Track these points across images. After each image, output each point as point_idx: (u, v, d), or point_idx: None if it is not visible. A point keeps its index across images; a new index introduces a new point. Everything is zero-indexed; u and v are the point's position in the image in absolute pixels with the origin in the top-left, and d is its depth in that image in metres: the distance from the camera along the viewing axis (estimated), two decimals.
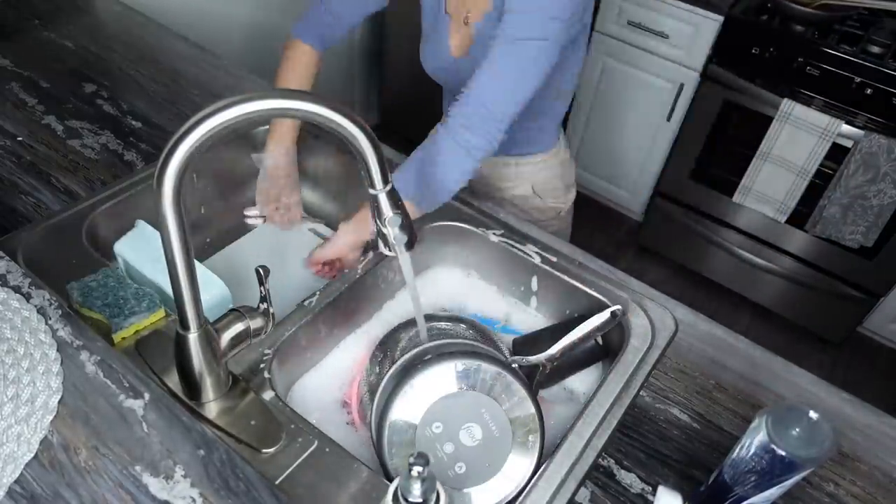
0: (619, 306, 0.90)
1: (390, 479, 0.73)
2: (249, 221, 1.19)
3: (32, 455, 0.68)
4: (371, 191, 0.70)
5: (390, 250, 0.75)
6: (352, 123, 0.63)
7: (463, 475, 0.73)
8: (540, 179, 1.21)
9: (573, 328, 0.88)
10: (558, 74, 1.02)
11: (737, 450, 0.65)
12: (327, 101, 0.61)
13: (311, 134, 1.21)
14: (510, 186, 1.22)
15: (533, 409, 0.75)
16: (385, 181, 0.69)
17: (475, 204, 1.08)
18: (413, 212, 0.93)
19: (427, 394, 0.74)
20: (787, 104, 1.78)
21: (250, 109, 0.58)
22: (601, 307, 0.96)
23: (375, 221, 0.73)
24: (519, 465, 0.74)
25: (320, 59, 1.16)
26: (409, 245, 0.75)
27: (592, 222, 2.54)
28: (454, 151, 0.90)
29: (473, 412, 0.74)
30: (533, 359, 0.83)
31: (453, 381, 0.74)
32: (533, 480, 0.73)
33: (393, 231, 0.72)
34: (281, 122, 1.12)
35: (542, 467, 0.74)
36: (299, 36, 1.14)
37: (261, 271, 0.75)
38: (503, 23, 0.88)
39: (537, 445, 0.75)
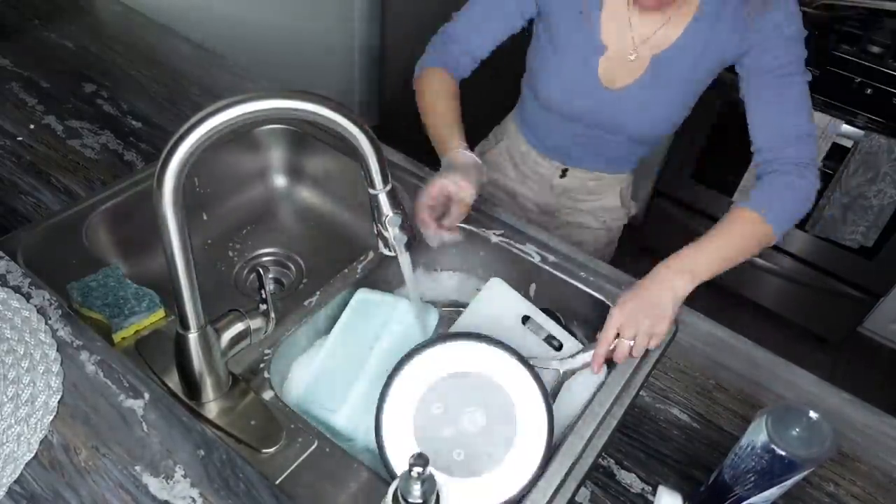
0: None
1: (386, 464, 0.72)
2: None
3: (32, 455, 0.68)
4: (371, 191, 0.70)
5: (390, 250, 0.75)
6: (353, 125, 0.63)
7: (460, 463, 0.72)
8: (625, 187, 1.24)
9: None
10: None
11: (737, 450, 0.65)
12: (329, 102, 0.62)
13: (313, 136, 1.21)
14: (596, 198, 1.22)
15: (543, 404, 0.74)
16: (385, 181, 0.69)
17: (476, 204, 1.08)
18: (771, 237, 0.94)
19: (431, 370, 0.73)
20: None
21: (251, 109, 0.58)
22: (601, 307, 0.96)
23: (375, 222, 0.73)
24: (521, 462, 0.73)
25: (455, 81, 1.06)
26: (409, 245, 0.75)
27: None
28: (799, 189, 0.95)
29: (478, 396, 0.74)
30: (554, 363, 0.83)
31: (460, 360, 0.74)
32: (531, 480, 0.73)
33: (393, 231, 0.73)
34: (440, 135, 1.00)
35: (544, 466, 0.74)
36: (431, 65, 1.05)
37: (260, 271, 0.75)
38: (773, 59, 0.92)
39: (543, 443, 0.74)
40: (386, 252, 0.75)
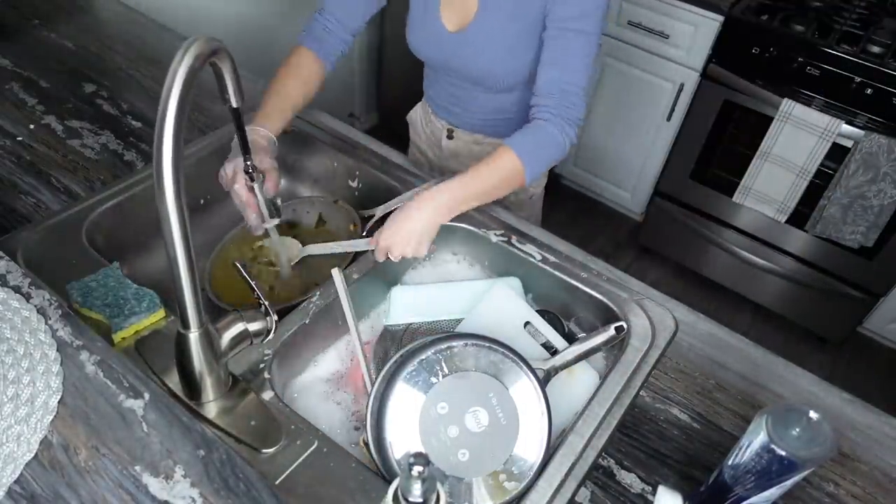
0: (623, 322, 0.89)
1: (386, 463, 0.72)
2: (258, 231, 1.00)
3: (32, 455, 0.68)
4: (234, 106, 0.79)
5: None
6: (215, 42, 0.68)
7: (465, 463, 0.72)
8: None
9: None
10: None
11: (737, 450, 0.65)
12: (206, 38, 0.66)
13: (313, 136, 1.21)
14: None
15: (543, 404, 0.75)
16: (240, 98, 0.78)
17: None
18: (520, 176, 0.98)
19: (435, 371, 0.74)
20: (787, 104, 1.78)
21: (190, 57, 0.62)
22: (601, 307, 0.96)
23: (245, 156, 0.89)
24: (524, 459, 0.73)
25: (322, 67, 1.11)
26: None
27: (592, 222, 2.54)
28: (558, 145, 1.00)
29: (482, 396, 0.74)
30: (538, 364, 0.83)
31: (463, 361, 0.74)
32: (531, 478, 0.73)
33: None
34: (267, 107, 1.05)
35: (543, 467, 0.74)
36: (301, 42, 1.12)
37: (239, 266, 0.76)
38: (562, 13, 0.97)
39: (544, 440, 0.74)
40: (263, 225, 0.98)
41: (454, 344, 0.75)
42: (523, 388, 0.75)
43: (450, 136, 1.27)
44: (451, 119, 1.25)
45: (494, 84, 1.11)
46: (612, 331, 0.88)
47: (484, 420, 0.74)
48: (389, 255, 0.94)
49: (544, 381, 0.81)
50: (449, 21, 1.08)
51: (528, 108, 1.16)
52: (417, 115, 1.37)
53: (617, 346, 0.90)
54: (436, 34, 1.10)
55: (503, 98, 1.16)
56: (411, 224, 0.92)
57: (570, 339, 0.92)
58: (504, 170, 0.97)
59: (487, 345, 0.76)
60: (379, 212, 1.09)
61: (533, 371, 0.76)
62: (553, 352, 0.90)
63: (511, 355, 0.76)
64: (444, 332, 0.87)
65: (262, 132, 1.01)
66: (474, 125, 1.23)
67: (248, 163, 0.90)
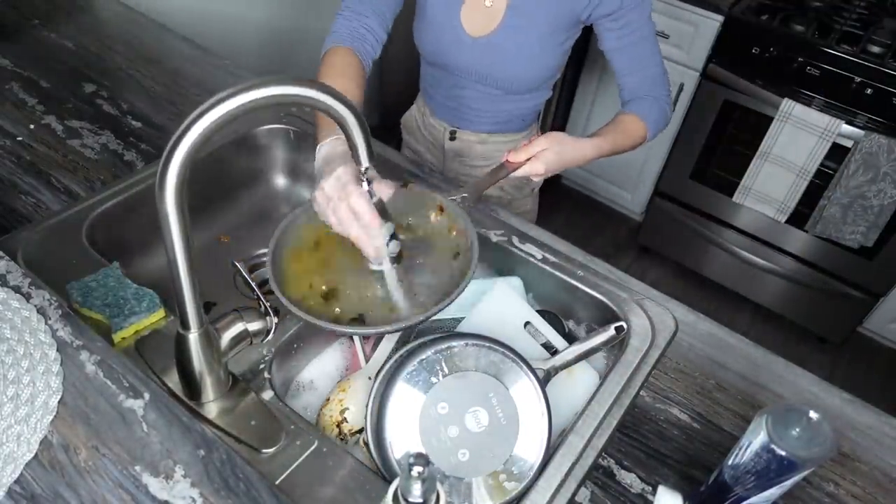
0: (623, 322, 0.89)
1: (386, 463, 0.72)
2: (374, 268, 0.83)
3: (32, 455, 0.68)
4: (360, 168, 0.73)
5: (375, 263, 0.80)
6: (341, 104, 0.66)
7: (465, 463, 0.72)
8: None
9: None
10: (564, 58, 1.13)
11: (737, 450, 0.65)
12: (319, 85, 0.65)
13: (313, 136, 1.21)
14: (486, 164, 1.25)
15: (543, 404, 0.75)
16: (371, 157, 0.73)
17: (475, 204, 1.08)
18: (643, 141, 1.11)
19: (435, 370, 0.74)
20: (787, 104, 1.78)
21: (248, 99, 0.59)
22: (601, 307, 0.96)
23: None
24: (524, 459, 0.73)
25: (364, 68, 1.03)
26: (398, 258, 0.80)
27: (592, 222, 2.54)
28: (667, 120, 1.13)
29: (481, 395, 0.74)
30: (538, 363, 0.83)
31: (463, 361, 0.74)
32: (531, 479, 0.73)
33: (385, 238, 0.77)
34: (323, 121, 0.93)
35: (543, 467, 0.74)
36: (338, 43, 1.02)
37: (239, 265, 0.76)
38: (613, 26, 1.03)
39: (544, 441, 0.74)
40: (372, 267, 0.81)
41: (454, 344, 0.75)
42: (523, 388, 0.75)
43: (452, 138, 1.26)
44: (455, 120, 1.24)
45: (514, 88, 1.12)
46: (612, 331, 0.88)
47: (484, 420, 0.74)
48: (538, 173, 0.98)
49: (544, 381, 0.81)
50: (471, 26, 1.07)
51: (538, 105, 1.20)
52: (413, 118, 1.35)
53: (617, 346, 0.90)
54: (457, 40, 1.08)
55: (520, 99, 1.16)
56: (571, 156, 1.01)
57: (570, 339, 0.92)
58: (634, 134, 1.09)
59: (487, 345, 0.76)
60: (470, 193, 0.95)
61: (533, 371, 0.76)
62: (553, 352, 0.90)
63: (511, 355, 0.76)
64: (445, 332, 0.87)
65: (339, 139, 0.88)
66: (481, 126, 1.22)
67: (365, 168, 0.73)
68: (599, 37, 1.06)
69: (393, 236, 0.79)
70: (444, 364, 0.75)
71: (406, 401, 0.73)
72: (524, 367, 0.76)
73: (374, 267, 0.80)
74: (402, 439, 0.72)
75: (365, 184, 0.76)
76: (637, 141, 1.10)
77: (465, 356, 0.75)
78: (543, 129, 2.33)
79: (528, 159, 0.98)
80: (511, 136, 1.24)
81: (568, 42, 1.09)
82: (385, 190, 0.79)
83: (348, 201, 0.76)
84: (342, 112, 0.66)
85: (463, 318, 0.95)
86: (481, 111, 1.19)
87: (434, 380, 0.74)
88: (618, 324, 0.89)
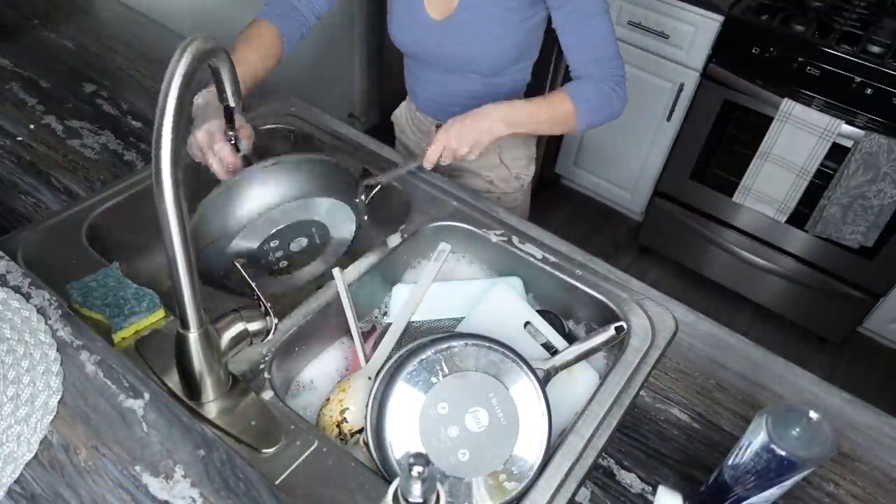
0: (623, 322, 0.89)
1: (386, 463, 0.72)
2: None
3: (32, 455, 0.68)
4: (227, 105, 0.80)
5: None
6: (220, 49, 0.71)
7: (465, 463, 0.72)
8: (506, 147, 1.26)
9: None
10: (538, 45, 1.15)
11: (737, 450, 0.65)
12: (205, 39, 0.66)
13: (313, 136, 1.21)
14: (476, 157, 1.24)
15: (543, 404, 0.75)
16: (237, 98, 0.80)
17: (475, 204, 1.08)
18: (572, 122, 1.06)
19: (435, 370, 0.74)
20: (787, 104, 1.78)
21: (182, 64, 0.62)
22: (601, 307, 0.96)
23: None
24: (524, 459, 0.73)
25: (282, 46, 1.10)
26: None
27: (592, 222, 2.54)
28: (611, 103, 1.06)
29: (481, 395, 0.74)
30: (538, 363, 0.83)
31: (463, 361, 0.74)
32: (531, 478, 0.73)
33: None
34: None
35: (543, 466, 0.74)
36: (264, 16, 1.10)
37: (238, 265, 0.76)
38: (559, 5, 1.01)
39: (545, 441, 0.74)
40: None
41: (454, 344, 0.76)
42: (523, 389, 0.75)
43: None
44: (439, 113, 1.25)
45: (482, 69, 1.13)
46: (612, 331, 0.88)
47: (484, 420, 0.74)
48: (447, 155, 1.02)
49: (544, 381, 0.81)
50: (433, 10, 1.09)
51: (516, 89, 1.19)
52: (402, 114, 1.37)
53: (617, 346, 0.90)
54: (421, 24, 1.10)
55: (492, 83, 1.17)
56: (482, 123, 1.00)
57: (571, 338, 0.92)
58: (559, 110, 1.04)
59: (488, 345, 0.76)
60: (384, 179, 1.04)
61: (533, 371, 0.76)
62: (553, 352, 0.90)
63: (511, 355, 0.76)
64: (445, 332, 0.87)
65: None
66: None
67: (230, 126, 0.89)
68: (550, 12, 1.06)
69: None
70: (444, 364, 0.75)
71: (406, 401, 0.73)
72: (524, 367, 0.76)
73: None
74: (402, 439, 0.72)
75: (231, 137, 0.90)
76: (564, 118, 1.05)
77: (466, 356, 0.75)
78: None
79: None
80: None
81: (531, 20, 1.08)
82: (245, 142, 0.93)
83: (219, 154, 0.91)
84: (217, 53, 0.70)
85: (463, 317, 0.95)
86: (458, 99, 1.20)
87: (434, 380, 0.74)
88: (618, 324, 0.89)
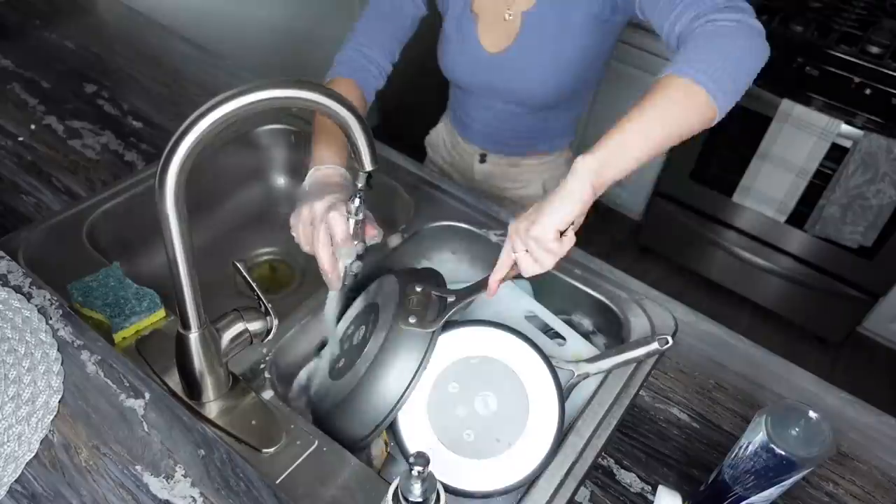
0: (667, 336, 0.82)
1: (397, 437, 0.73)
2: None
3: (33, 454, 0.68)
4: (362, 172, 0.73)
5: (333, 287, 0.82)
6: (342, 106, 0.66)
7: (469, 444, 0.73)
8: (548, 178, 1.23)
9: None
10: (604, 59, 1.08)
11: (736, 449, 0.65)
12: (321, 88, 0.64)
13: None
14: (518, 187, 1.23)
15: (557, 400, 0.76)
16: (374, 162, 0.72)
17: (475, 204, 1.08)
18: (705, 98, 0.71)
19: (451, 350, 0.76)
20: (786, 104, 1.78)
21: (249, 101, 0.59)
22: (601, 307, 0.96)
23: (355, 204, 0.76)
24: (527, 453, 0.74)
25: (365, 100, 1.02)
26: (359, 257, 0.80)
27: (592, 222, 2.54)
28: (748, 35, 0.73)
29: (494, 382, 0.75)
30: (570, 365, 0.83)
31: (480, 345, 0.76)
32: (531, 474, 0.73)
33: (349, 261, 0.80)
34: (323, 146, 0.89)
35: (544, 465, 0.74)
36: (339, 74, 1.01)
37: (238, 265, 0.76)
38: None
39: (552, 437, 0.74)
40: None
41: (473, 328, 0.78)
42: (540, 385, 0.76)
43: (482, 161, 1.24)
44: (484, 143, 1.21)
45: (539, 102, 1.09)
46: (655, 344, 0.83)
47: (493, 405, 0.75)
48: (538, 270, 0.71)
49: (573, 385, 0.82)
50: (489, 43, 1.05)
51: (571, 120, 1.17)
52: (440, 139, 1.32)
53: (617, 344, 0.90)
54: (475, 57, 1.07)
55: (546, 116, 1.14)
56: (557, 208, 0.68)
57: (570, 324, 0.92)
58: (669, 99, 0.70)
59: (506, 333, 0.78)
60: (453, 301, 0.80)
61: (549, 364, 0.77)
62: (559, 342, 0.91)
63: (530, 347, 0.77)
64: (474, 319, 0.87)
65: (335, 169, 0.85)
66: (510, 147, 1.20)
67: (356, 203, 0.75)
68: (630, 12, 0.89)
69: (359, 257, 0.81)
70: (459, 345, 0.77)
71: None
72: (541, 359, 0.77)
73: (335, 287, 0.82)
74: (410, 412, 0.74)
75: (357, 200, 0.76)
76: (685, 104, 0.71)
77: (482, 341, 0.77)
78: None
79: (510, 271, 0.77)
80: (542, 158, 1.22)
81: (598, 48, 1.01)
82: (370, 231, 0.81)
83: (328, 222, 0.77)
84: (344, 115, 0.66)
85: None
86: (508, 130, 1.16)
87: (449, 359, 0.76)
88: (661, 336, 0.83)
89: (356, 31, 1.05)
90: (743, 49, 0.73)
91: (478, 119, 1.18)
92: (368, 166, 0.72)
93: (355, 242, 0.79)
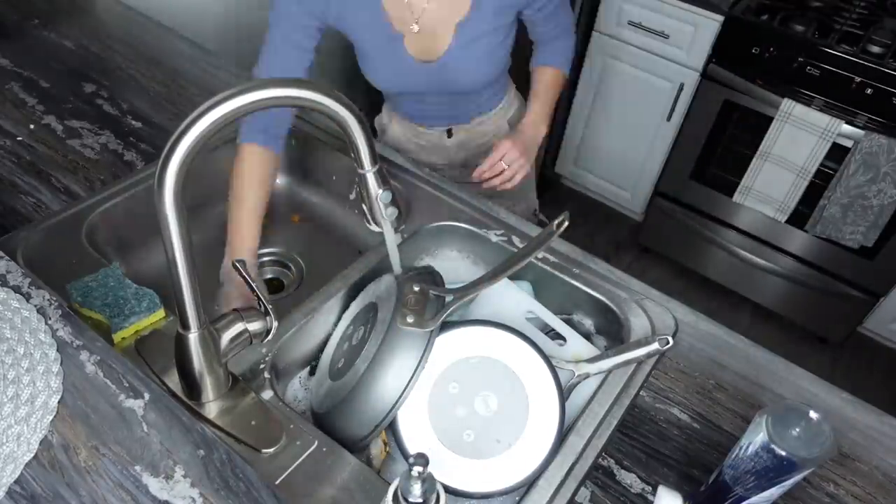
0: (667, 336, 0.85)
1: (396, 435, 0.72)
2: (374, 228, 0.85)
3: (32, 455, 0.68)
4: (360, 171, 0.73)
5: (377, 225, 0.78)
6: (342, 107, 0.66)
7: (469, 444, 0.73)
8: (512, 114, 1.30)
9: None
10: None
11: (737, 450, 0.65)
12: (320, 87, 0.64)
13: (314, 136, 1.21)
14: (491, 135, 1.28)
15: (557, 401, 0.76)
16: (374, 162, 0.72)
17: (475, 204, 1.08)
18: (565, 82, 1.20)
19: (452, 351, 0.75)
20: (787, 104, 1.78)
21: (249, 100, 0.59)
22: (601, 307, 0.96)
23: (363, 199, 0.76)
24: (527, 453, 0.74)
25: (274, 156, 1.03)
26: (398, 219, 0.78)
27: (592, 222, 2.54)
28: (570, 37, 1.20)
29: (495, 383, 0.75)
30: (570, 365, 0.83)
31: (481, 345, 0.76)
32: (531, 475, 0.73)
33: (384, 208, 0.76)
34: (238, 229, 0.98)
35: (544, 466, 0.74)
36: (244, 140, 1.01)
37: (238, 266, 0.76)
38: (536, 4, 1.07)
39: (552, 439, 0.74)
40: (373, 228, 0.79)
41: (474, 328, 0.77)
42: (538, 381, 0.76)
43: (450, 135, 1.27)
44: (446, 122, 1.25)
45: (472, 92, 1.17)
46: (655, 344, 0.84)
47: (493, 405, 0.75)
48: (507, 179, 1.08)
49: (573, 385, 0.82)
50: (419, 52, 1.07)
51: (498, 91, 1.25)
52: (398, 137, 1.32)
53: (617, 345, 0.90)
54: (405, 66, 1.09)
55: (479, 95, 1.21)
56: (535, 145, 1.14)
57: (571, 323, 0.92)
58: (558, 81, 1.19)
59: (508, 333, 0.78)
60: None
61: (550, 364, 0.77)
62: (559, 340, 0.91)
63: (531, 348, 0.77)
64: (474, 319, 0.87)
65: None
66: (471, 115, 1.25)
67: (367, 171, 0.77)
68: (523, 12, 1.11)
69: (393, 201, 0.79)
70: (460, 346, 0.76)
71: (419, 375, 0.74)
72: (542, 359, 0.77)
73: (374, 228, 0.81)
74: (410, 411, 0.74)
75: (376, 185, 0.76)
76: (562, 82, 1.20)
77: (483, 342, 0.77)
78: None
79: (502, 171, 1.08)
80: (498, 110, 1.27)
81: (511, 34, 1.12)
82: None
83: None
84: (342, 114, 0.66)
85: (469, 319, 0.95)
86: (463, 108, 1.23)
87: (449, 359, 0.75)
88: (661, 336, 0.84)
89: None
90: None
91: (428, 109, 1.23)
92: (368, 167, 0.72)
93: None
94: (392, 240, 0.82)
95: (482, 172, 1.08)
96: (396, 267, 0.85)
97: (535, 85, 1.18)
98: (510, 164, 1.07)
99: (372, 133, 0.73)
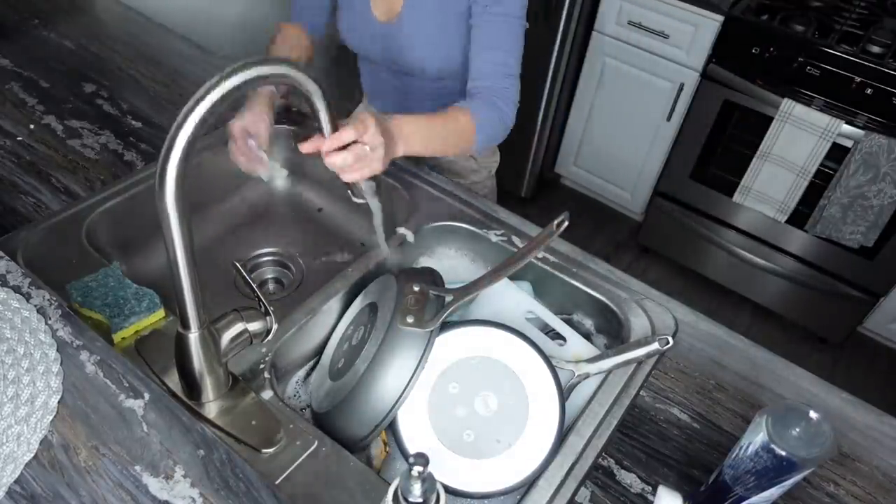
0: (667, 336, 0.85)
1: (396, 435, 0.72)
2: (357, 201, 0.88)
3: (32, 455, 0.68)
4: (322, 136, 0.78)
5: (359, 197, 0.84)
6: (308, 79, 0.71)
7: (469, 444, 0.73)
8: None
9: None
10: None
11: (737, 450, 0.65)
12: (289, 63, 0.69)
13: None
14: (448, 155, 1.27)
15: (557, 401, 0.76)
16: (334, 130, 0.77)
17: (475, 204, 1.08)
18: (472, 139, 0.99)
19: (452, 351, 0.76)
20: (787, 104, 1.78)
21: (237, 81, 0.63)
22: (601, 307, 0.96)
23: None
24: (527, 453, 0.74)
25: (310, 39, 1.20)
26: (377, 189, 0.83)
27: (592, 222, 2.54)
28: (503, 122, 1.03)
29: (495, 383, 0.75)
30: (570, 365, 0.83)
31: (481, 345, 0.76)
32: (531, 475, 0.73)
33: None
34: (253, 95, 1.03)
35: (544, 466, 0.74)
36: (287, 21, 1.18)
37: (238, 266, 0.76)
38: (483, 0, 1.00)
39: (552, 438, 0.74)
40: (356, 200, 0.84)
41: (474, 328, 0.77)
42: (538, 381, 0.76)
43: None
44: (395, 113, 1.25)
45: (430, 73, 1.13)
46: (655, 344, 0.84)
47: (493, 405, 0.75)
48: (346, 173, 0.81)
49: (573, 385, 0.81)
50: (379, 11, 1.09)
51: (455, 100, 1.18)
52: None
53: (617, 344, 0.90)
54: (366, 24, 1.11)
55: (439, 87, 1.17)
56: (391, 153, 0.85)
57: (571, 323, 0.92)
58: (459, 126, 0.97)
59: (508, 333, 0.78)
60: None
61: (550, 364, 0.77)
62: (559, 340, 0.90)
63: (531, 348, 0.77)
64: (473, 319, 0.87)
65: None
66: (424, 109, 1.22)
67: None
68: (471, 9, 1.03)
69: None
70: (460, 346, 0.76)
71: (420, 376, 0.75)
72: (542, 359, 0.77)
73: (357, 200, 0.85)
74: (411, 412, 0.74)
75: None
76: (462, 143, 0.98)
77: (483, 342, 0.77)
78: (542, 129, 2.33)
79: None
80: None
81: (461, 31, 1.07)
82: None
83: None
84: (310, 87, 0.72)
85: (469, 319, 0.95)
86: (417, 103, 1.21)
87: (449, 360, 0.75)
88: (661, 336, 0.84)
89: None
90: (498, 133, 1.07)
91: (382, 88, 1.24)
92: (328, 133, 0.78)
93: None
94: (377, 208, 0.87)
95: (326, 147, 0.80)
96: (383, 246, 0.89)
97: (438, 112, 0.98)
98: (373, 149, 0.81)
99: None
